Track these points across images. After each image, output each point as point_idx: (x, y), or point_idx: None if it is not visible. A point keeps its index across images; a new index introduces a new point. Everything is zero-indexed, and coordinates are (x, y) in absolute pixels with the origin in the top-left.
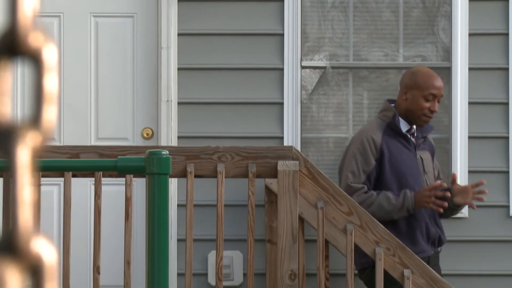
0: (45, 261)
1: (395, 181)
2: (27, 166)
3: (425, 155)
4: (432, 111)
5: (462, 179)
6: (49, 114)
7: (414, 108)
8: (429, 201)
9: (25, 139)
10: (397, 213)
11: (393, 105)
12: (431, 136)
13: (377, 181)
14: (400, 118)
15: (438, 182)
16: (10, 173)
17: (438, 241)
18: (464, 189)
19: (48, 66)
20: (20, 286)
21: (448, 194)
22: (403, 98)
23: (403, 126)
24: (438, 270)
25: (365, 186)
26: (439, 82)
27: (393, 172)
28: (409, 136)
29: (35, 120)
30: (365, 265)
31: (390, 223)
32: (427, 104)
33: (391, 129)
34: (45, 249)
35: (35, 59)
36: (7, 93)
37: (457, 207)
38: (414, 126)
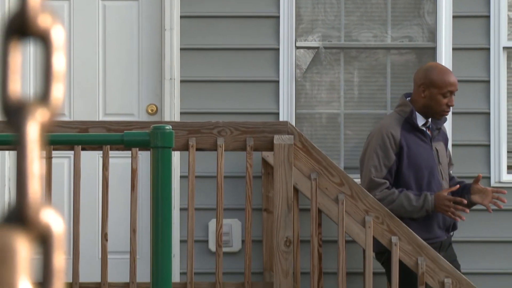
0: (53, 230)
1: (413, 174)
2: (37, 140)
3: (440, 146)
4: (449, 106)
5: None
6: (57, 91)
7: (433, 104)
8: (447, 210)
9: (35, 115)
10: (417, 214)
11: (409, 99)
12: (445, 127)
13: (396, 174)
14: (416, 113)
15: (460, 198)
16: (20, 147)
17: (452, 227)
18: (484, 191)
19: (56, 46)
20: (30, 255)
21: (467, 210)
22: (421, 95)
23: (420, 121)
24: (452, 253)
25: (387, 182)
26: (453, 78)
27: (411, 165)
28: (425, 129)
29: (44, 97)
30: (382, 249)
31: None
32: (445, 100)
33: (408, 124)
34: (54, 220)
35: (43, 40)
36: (18, 71)
37: (472, 204)
38: (430, 120)
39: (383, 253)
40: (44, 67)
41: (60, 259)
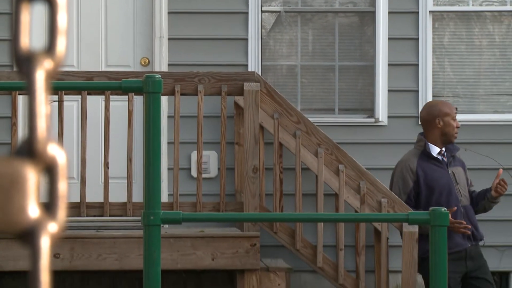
0: (58, 161)
1: (431, 194)
2: (43, 85)
3: (457, 170)
4: (458, 127)
5: (382, 97)
6: (61, 44)
7: (449, 130)
8: (456, 228)
9: (42, 64)
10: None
11: (421, 136)
12: (460, 154)
13: (417, 197)
14: (430, 145)
15: (458, 221)
16: (30, 91)
17: (473, 237)
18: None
19: (59, 6)
20: (39, 182)
21: (468, 232)
22: (437, 127)
23: (434, 150)
24: (481, 260)
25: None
26: (453, 106)
27: (428, 188)
28: (440, 157)
29: (50, 49)
30: (426, 255)
31: None
32: (455, 123)
33: (425, 155)
34: (58, 152)
35: (49, 1)
36: (27, 27)
37: (495, 199)
38: (443, 149)
39: (424, 260)
40: (49, 24)
41: (63, 186)
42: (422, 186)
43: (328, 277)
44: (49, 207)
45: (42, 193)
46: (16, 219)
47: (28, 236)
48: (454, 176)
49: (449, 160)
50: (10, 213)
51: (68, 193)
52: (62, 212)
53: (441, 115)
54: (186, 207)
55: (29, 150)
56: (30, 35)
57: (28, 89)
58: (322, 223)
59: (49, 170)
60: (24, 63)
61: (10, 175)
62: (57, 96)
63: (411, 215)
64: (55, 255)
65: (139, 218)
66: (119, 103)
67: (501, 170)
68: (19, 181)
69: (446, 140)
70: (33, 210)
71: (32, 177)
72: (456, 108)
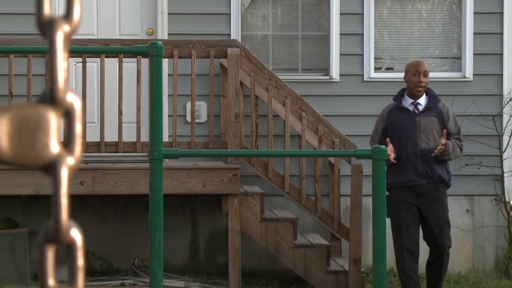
0: (75, 107)
1: (394, 136)
2: (62, 45)
3: (427, 119)
4: (419, 82)
5: (335, 59)
6: (76, 12)
7: (409, 84)
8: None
9: (61, 28)
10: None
11: (400, 91)
12: (445, 106)
13: (385, 138)
14: (406, 98)
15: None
16: (51, 50)
17: (428, 176)
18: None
19: None
20: (58, 124)
21: (391, 159)
22: (404, 80)
23: (407, 102)
24: (437, 203)
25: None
26: (417, 64)
27: (392, 131)
28: (410, 108)
29: (67, 15)
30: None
31: (392, 165)
32: (414, 79)
33: (398, 105)
34: (75, 100)
35: None
36: None
37: (443, 155)
38: (419, 100)
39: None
40: None
41: (78, 127)
42: (388, 129)
43: (294, 200)
44: (67, 144)
45: (62, 133)
46: (40, 155)
47: (50, 168)
48: (420, 124)
49: (422, 110)
50: (36, 150)
51: (89, 134)
52: (78, 148)
53: (405, 71)
54: (183, 145)
55: (51, 98)
56: (51, 4)
57: (50, 48)
58: (289, 158)
59: (67, 114)
60: (47, 27)
61: (36, 118)
62: (81, 59)
63: (357, 152)
64: (80, 183)
65: (146, 154)
66: (130, 64)
67: (445, 130)
68: (43, 123)
69: (410, 93)
70: (55, 147)
71: (53, 120)
72: (425, 69)
